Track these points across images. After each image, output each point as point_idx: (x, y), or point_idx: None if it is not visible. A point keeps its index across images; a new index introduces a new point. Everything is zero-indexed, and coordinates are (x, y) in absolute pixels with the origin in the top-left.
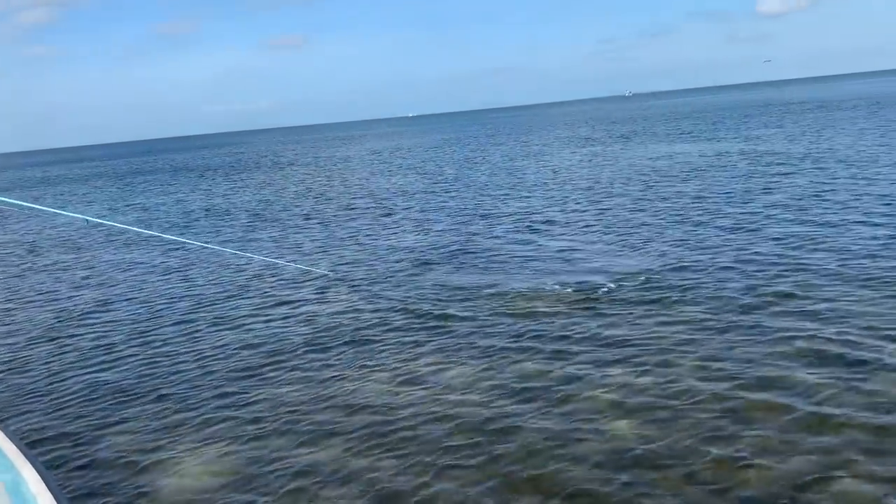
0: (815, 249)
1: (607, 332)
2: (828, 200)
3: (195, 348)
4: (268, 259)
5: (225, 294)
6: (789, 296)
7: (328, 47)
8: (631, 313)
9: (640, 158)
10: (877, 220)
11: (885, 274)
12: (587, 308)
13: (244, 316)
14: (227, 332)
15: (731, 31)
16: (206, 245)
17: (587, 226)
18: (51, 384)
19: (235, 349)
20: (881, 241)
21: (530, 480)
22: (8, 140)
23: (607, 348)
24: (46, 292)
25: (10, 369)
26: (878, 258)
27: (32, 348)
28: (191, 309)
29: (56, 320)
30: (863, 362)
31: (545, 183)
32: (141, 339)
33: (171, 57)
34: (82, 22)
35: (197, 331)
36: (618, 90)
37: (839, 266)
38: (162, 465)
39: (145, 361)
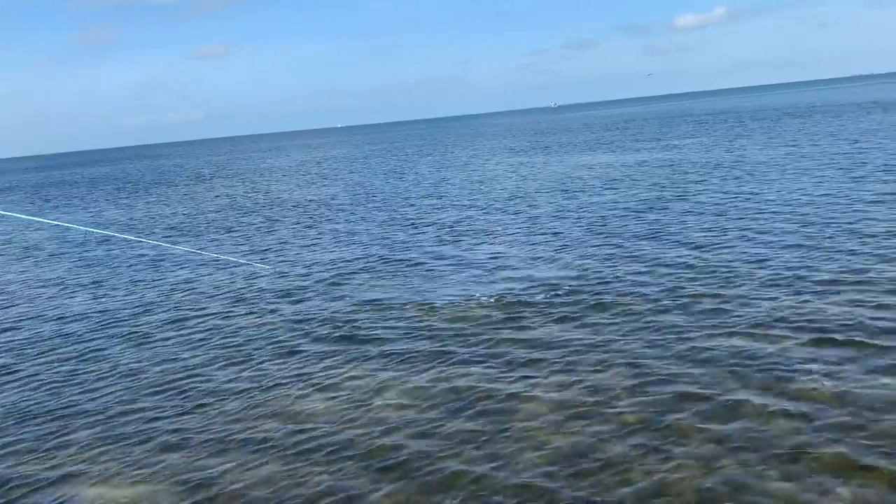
0: (727, 252)
1: (532, 339)
2: (737, 207)
3: (107, 365)
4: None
5: (141, 309)
6: (705, 297)
7: (253, 57)
8: (554, 320)
9: (562, 169)
10: (781, 224)
11: (785, 272)
12: (511, 316)
13: (163, 328)
14: (145, 346)
15: (651, 45)
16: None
17: (511, 235)
18: None
19: (152, 363)
20: (787, 243)
21: (459, 488)
22: None
23: (532, 355)
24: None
25: None
26: (785, 259)
27: None
28: (102, 322)
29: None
30: (775, 355)
31: (471, 193)
32: (46, 358)
33: (88, 67)
34: None
35: (104, 348)
36: (544, 102)
37: (751, 268)
38: (76, 482)
39: (49, 382)
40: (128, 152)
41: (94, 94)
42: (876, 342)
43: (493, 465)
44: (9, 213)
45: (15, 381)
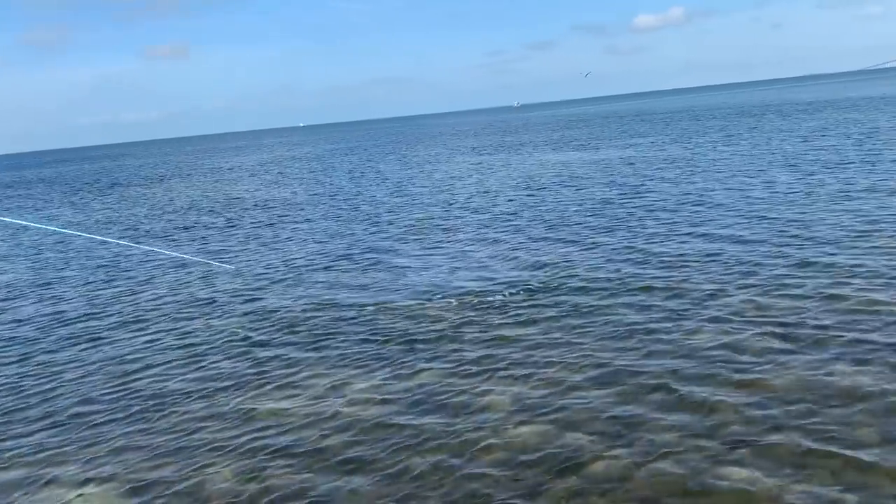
0: (681, 248)
1: (493, 336)
2: (692, 203)
3: (57, 368)
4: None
5: (95, 310)
6: (661, 291)
7: (212, 56)
8: (514, 317)
9: (523, 167)
10: (734, 220)
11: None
12: (472, 313)
13: (117, 329)
14: (98, 347)
15: (611, 45)
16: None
17: (472, 234)
18: None
19: (105, 364)
20: (740, 238)
21: (428, 488)
22: None
23: (493, 351)
24: None
25: None
26: (737, 253)
27: None
28: (54, 323)
29: None
30: (730, 347)
31: (432, 192)
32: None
33: (41, 67)
34: None
35: (55, 350)
36: (507, 101)
37: (705, 262)
38: (25, 486)
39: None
40: (84, 152)
41: (47, 93)
42: (824, 333)
43: (457, 461)
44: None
45: None
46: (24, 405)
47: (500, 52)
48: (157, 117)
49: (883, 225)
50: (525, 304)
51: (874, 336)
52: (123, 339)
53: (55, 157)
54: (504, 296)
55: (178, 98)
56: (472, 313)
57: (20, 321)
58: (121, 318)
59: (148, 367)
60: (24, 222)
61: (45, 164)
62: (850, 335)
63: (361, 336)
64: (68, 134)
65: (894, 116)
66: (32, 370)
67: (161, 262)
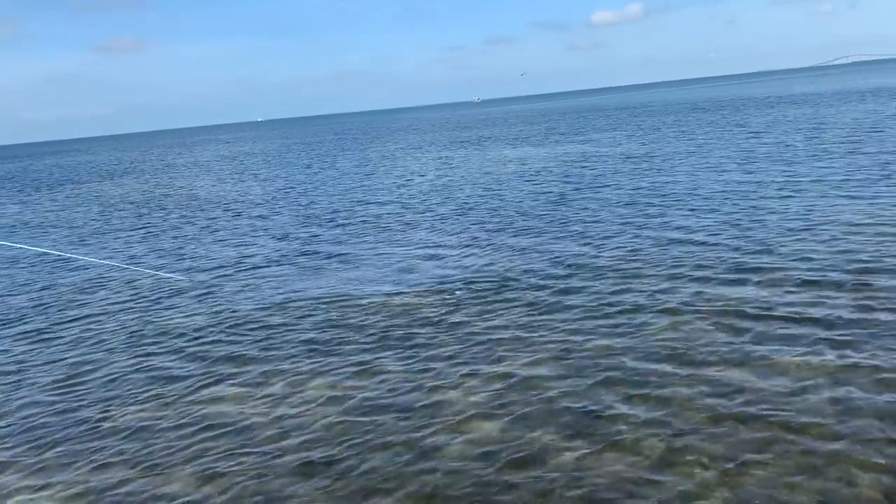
0: (636, 241)
1: (454, 333)
2: (647, 197)
3: (10, 370)
4: (103, 262)
5: (35, 312)
6: (616, 283)
7: (167, 50)
8: (472, 312)
9: (482, 162)
10: (688, 213)
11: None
12: (430, 309)
13: (65, 326)
14: (51, 348)
15: (570, 41)
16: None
17: (430, 229)
18: None
19: (59, 368)
20: (693, 230)
21: (388, 485)
22: None
23: (455, 348)
24: None
25: None
26: (690, 246)
27: None
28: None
29: None
30: (684, 339)
31: (390, 188)
32: None
33: None
34: None
35: (18, 351)
36: (467, 97)
37: (659, 255)
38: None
39: None
40: (34, 148)
41: None
42: (773, 323)
43: (416, 458)
44: None
45: None
46: None
47: (460, 47)
48: (112, 112)
49: (828, 217)
50: (482, 298)
51: (819, 327)
52: (69, 340)
53: (6, 153)
54: (461, 291)
55: (133, 93)
56: (430, 308)
57: None
58: (66, 319)
59: (96, 369)
60: None
61: None
62: (798, 327)
63: (317, 333)
64: (20, 129)
65: (841, 111)
66: None
67: (108, 267)
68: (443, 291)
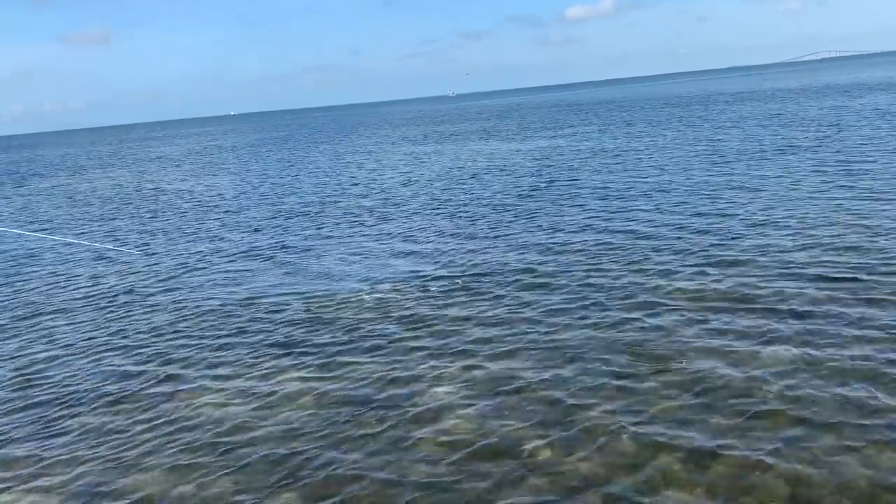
0: (606, 235)
1: (426, 327)
2: (617, 191)
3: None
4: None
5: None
6: (586, 276)
7: (136, 43)
8: (447, 307)
9: (456, 157)
10: (657, 207)
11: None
12: (403, 304)
13: (26, 322)
14: (7, 342)
15: (543, 36)
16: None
17: (403, 224)
18: None
19: (13, 361)
20: (662, 224)
21: (366, 482)
22: None
23: (428, 342)
24: None
25: None
26: (659, 240)
27: None
28: None
29: None
30: (650, 330)
31: (363, 182)
32: None
33: None
34: None
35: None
36: (442, 91)
37: (627, 249)
38: None
39: None
40: (2, 141)
41: None
42: (743, 317)
43: (394, 453)
44: None
45: None
46: None
47: (435, 40)
48: (80, 106)
49: (792, 211)
50: (453, 292)
51: (784, 318)
52: (26, 335)
53: None
54: (433, 284)
55: (102, 86)
56: (402, 302)
57: None
58: (24, 312)
59: (54, 364)
60: None
61: None
62: (763, 317)
63: (288, 328)
64: None
65: (808, 107)
66: None
67: (74, 254)
68: (414, 285)
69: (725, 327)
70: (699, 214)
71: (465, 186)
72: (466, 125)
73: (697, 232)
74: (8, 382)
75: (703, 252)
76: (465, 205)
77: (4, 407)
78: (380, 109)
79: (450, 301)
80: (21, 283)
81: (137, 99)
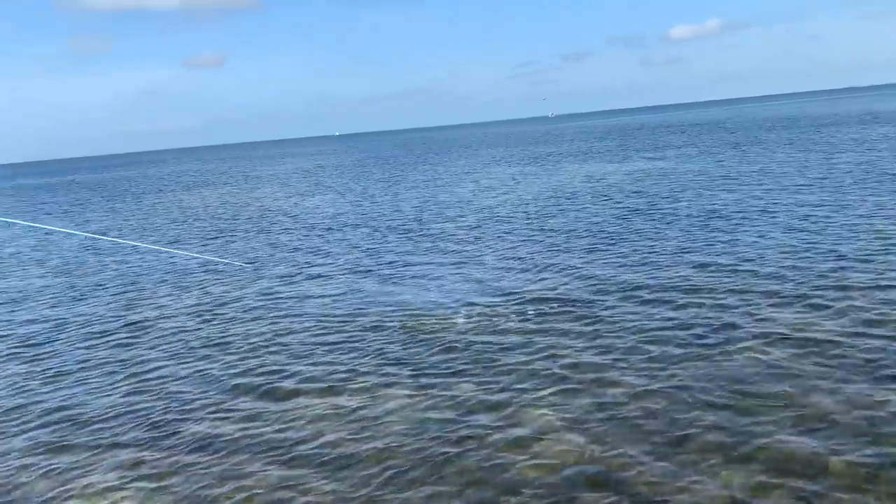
0: (714, 258)
1: (529, 351)
2: (722, 216)
3: (104, 370)
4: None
5: (120, 316)
6: (702, 305)
7: (249, 66)
8: (550, 331)
9: (556, 178)
10: (766, 233)
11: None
12: (506, 326)
13: (144, 331)
14: (129, 350)
15: (646, 56)
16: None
17: (506, 245)
18: None
19: (132, 367)
20: (773, 252)
21: (464, 501)
22: None
23: (531, 366)
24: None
25: None
26: (774, 267)
27: None
28: (84, 327)
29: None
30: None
31: (464, 203)
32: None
33: (83, 75)
34: None
35: (92, 352)
36: (540, 112)
37: (737, 276)
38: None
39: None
40: (124, 159)
41: (89, 101)
42: (869, 356)
43: (493, 475)
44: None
45: None
46: (31, 405)
47: (534, 62)
48: (195, 125)
49: None
50: (551, 314)
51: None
52: (137, 342)
53: (102, 162)
54: (531, 307)
55: (215, 107)
56: (498, 324)
57: (35, 322)
58: (137, 319)
59: (161, 371)
60: (61, 229)
61: (86, 170)
62: (881, 354)
63: (387, 345)
64: (115, 140)
65: None
66: (40, 372)
67: (186, 266)
68: (511, 306)
69: (835, 361)
70: (809, 242)
71: (561, 208)
72: (565, 146)
73: (807, 260)
74: (120, 388)
75: (812, 282)
76: (562, 226)
77: (113, 411)
78: (478, 131)
79: (546, 324)
80: (135, 292)
81: (248, 119)
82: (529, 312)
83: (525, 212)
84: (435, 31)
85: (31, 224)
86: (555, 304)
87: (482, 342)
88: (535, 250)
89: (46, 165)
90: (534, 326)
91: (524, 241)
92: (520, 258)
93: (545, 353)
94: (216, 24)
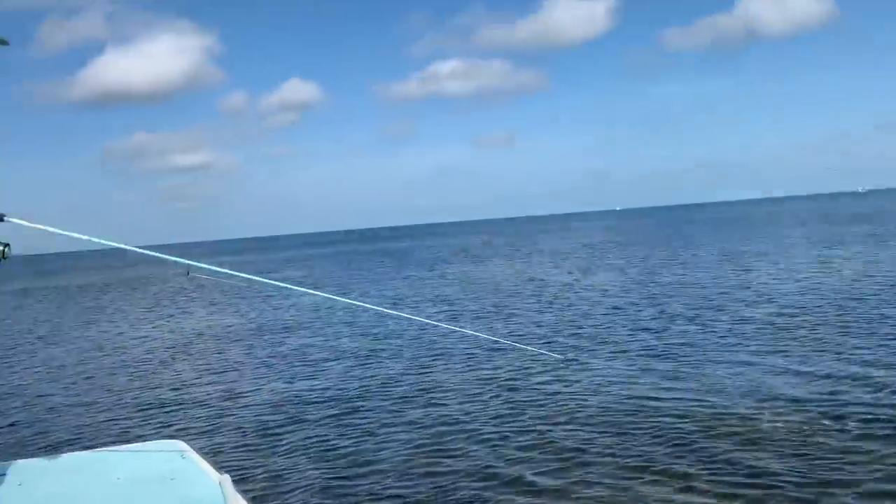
0: None
1: (845, 461)
2: None
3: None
4: (495, 339)
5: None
6: None
7: (535, 143)
8: (845, 450)
9: (871, 264)
10: None
11: None
12: (818, 432)
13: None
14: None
15: None
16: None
17: (804, 338)
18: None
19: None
20: None
21: None
22: (252, 227)
23: (847, 478)
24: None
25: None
26: None
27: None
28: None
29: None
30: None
31: (761, 288)
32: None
33: (390, 156)
34: (320, 124)
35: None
36: (849, 186)
37: None
38: None
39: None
40: (418, 230)
41: (393, 178)
42: None
43: None
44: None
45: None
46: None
47: (842, 133)
48: (485, 200)
49: None
50: (851, 429)
51: None
52: (408, 413)
53: (399, 233)
54: (851, 417)
55: (500, 183)
56: (815, 431)
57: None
58: (410, 392)
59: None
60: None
61: (389, 238)
62: None
63: (668, 438)
64: (410, 213)
65: None
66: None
67: (474, 342)
68: (815, 411)
69: None
70: None
71: (880, 298)
72: (886, 227)
73: None
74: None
75: None
76: (879, 320)
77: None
78: (775, 205)
79: (843, 440)
80: (408, 361)
81: (533, 193)
82: (848, 425)
83: (830, 303)
84: (725, 102)
85: (330, 297)
86: (881, 422)
87: (776, 452)
88: (841, 350)
89: (355, 234)
90: (847, 441)
91: (830, 337)
92: (825, 358)
93: (857, 476)
94: (507, 107)
